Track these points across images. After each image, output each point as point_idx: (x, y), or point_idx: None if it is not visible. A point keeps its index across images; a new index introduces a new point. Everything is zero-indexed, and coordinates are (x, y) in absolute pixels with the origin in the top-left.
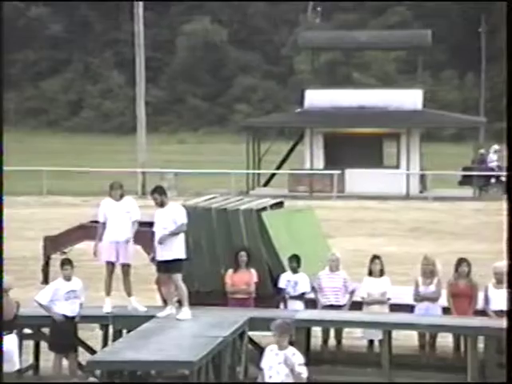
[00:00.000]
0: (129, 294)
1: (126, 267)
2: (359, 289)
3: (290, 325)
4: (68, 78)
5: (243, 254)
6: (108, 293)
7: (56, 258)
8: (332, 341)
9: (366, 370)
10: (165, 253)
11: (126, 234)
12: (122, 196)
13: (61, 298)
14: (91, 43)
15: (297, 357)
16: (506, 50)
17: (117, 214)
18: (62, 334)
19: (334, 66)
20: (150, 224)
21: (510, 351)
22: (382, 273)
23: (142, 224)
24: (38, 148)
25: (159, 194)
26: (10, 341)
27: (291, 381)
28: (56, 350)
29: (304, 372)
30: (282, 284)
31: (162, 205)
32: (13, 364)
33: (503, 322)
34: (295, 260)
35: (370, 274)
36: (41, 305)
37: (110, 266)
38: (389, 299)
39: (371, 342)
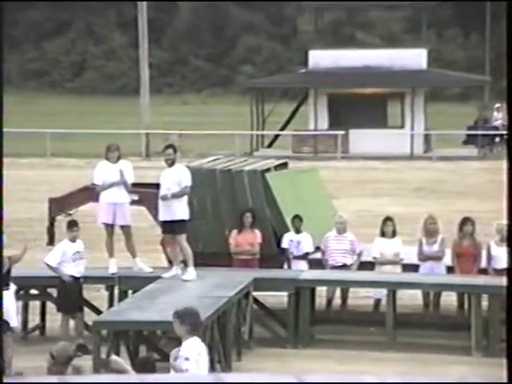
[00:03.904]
0: (133, 256)
1: (125, 229)
2: (369, 249)
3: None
4: (70, 38)
5: (248, 214)
6: (111, 254)
7: (61, 220)
8: (337, 301)
9: (370, 329)
10: (168, 214)
11: (122, 196)
12: (119, 158)
13: (68, 259)
14: (93, 3)
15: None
16: (506, 50)
17: (113, 177)
18: (71, 295)
19: (337, 26)
20: (156, 185)
21: (510, 311)
22: (394, 234)
23: (146, 185)
24: (41, 110)
25: (174, 151)
26: (6, 297)
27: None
28: (64, 311)
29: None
30: (284, 244)
31: (172, 163)
32: (9, 319)
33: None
34: (298, 220)
35: (383, 235)
36: (50, 266)
37: (109, 227)
38: (401, 259)
39: (377, 301)
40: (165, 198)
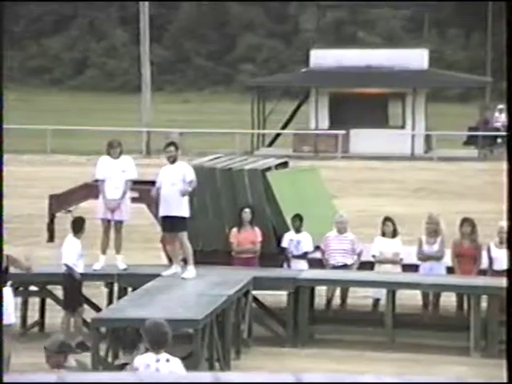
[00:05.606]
0: (117, 251)
1: (118, 224)
2: (369, 249)
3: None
4: (72, 35)
5: (247, 210)
6: (103, 251)
7: (61, 217)
8: (336, 300)
9: (369, 329)
10: (168, 210)
11: (121, 192)
12: (120, 153)
13: (78, 257)
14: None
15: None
16: (506, 50)
17: (114, 172)
18: (77, 292)
19: (339, 25)
20: (154, 182)
21: (510, 313)
22: (394, 234)
23: (146, 183)
24: (42, 106)
25: (176, 149)
26: (4, 293)
27: None
28: (71, 309)
29: None
30: (284, 243)
31: (173, 161)
32: (7, 316)
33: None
34: (298, 219)
35: (383, 235)
36: (68, 267)
37: (106, 222)
38: (401, 260)
39: (376, 301)
40: (185, 193)
